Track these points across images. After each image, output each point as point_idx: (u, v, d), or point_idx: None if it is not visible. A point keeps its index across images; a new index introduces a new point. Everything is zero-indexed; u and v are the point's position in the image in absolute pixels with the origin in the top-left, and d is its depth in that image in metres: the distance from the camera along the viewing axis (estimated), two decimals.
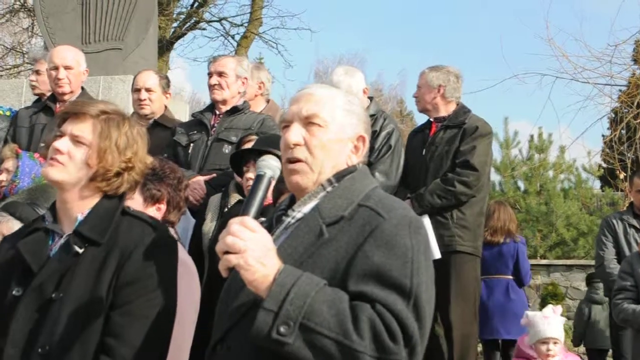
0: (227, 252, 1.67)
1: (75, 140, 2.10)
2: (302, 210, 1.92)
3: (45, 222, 2.17)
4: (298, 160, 1.92)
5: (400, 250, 1.75)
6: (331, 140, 1.94)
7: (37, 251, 2.10)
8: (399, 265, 1.74)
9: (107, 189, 2.15)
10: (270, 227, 1.97)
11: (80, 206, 2.13)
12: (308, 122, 1.94)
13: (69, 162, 2.09)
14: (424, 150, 4.80)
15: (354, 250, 1.77)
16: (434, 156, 4.73)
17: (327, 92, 2.01)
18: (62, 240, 2.12)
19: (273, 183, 1.94)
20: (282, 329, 1.63)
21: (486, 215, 6.86)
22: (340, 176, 1.94)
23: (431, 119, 4.94)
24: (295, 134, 1.93)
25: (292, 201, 2.01)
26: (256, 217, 1.75)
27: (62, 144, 2.10)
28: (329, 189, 1.92)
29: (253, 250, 1.66)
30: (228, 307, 1.90)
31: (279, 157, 3.26)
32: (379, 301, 1.69)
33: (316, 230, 1.83)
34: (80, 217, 2.12)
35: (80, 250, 2.06)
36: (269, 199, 3.34)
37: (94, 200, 2.15)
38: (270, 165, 1.86)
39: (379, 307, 1.68)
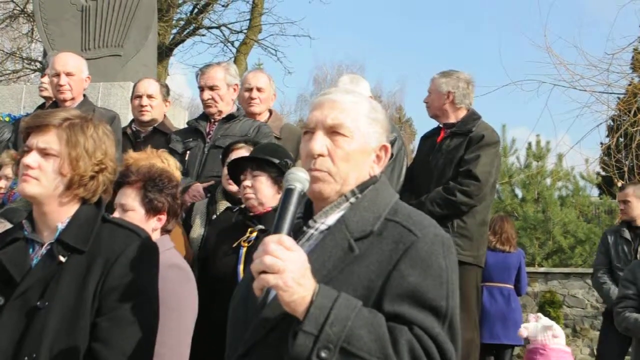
0: (263, 272, 1.60)
1: (44, 153, 2.11)
2: (325, 221, 1.87)
3: (24, 232, 2.17)
4: (321, 170, 1.87)
5: (436, 271, 1.73)
6: (355, 151, 1.89)
7: (18, 261, 2.11)
8: (435, 286, 1.71)
9: (85, 194, 2.16)
10: None
11: (59, 215, 2.15)
12: (332, 131, 1.88)
13: (41, 175, 2.10)
14: (431, 157, 4.77)
15: (388, 269, 1.73)
16: (439, 163, 4.68)
17: (351, 98, 1.94)
18: (43, 250, 2.13)
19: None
20: (322, 354, 1.59)
21: (494, 228, 7.07)
22: (363, 187, 1.90)
23: (441, 125, 4.90)
24: (319, 144, 1.87)
25: (308, 209, 1.96)
26: (289, 234, 1.68)
27: (32, 159, 2.10)
28: (353, 199, 1.88)
29: (292, 271, 1.60)
30: (247, 319, 1.86)
31: (276, 165, 3.30)
32: (416, 324, 1.66)
33: (344, 245, 1.79)
34: (60, 225, 2.14)
35: (64, 259, 2.08)
36: (263, 208, 3.35)
37: (73, 207, 2.17)
38: (299, 178, 1.77)
39: (417, 330, 1.65)
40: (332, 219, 1.87)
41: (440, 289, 1.72)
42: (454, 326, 1.73)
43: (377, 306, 1.70)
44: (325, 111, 1.90)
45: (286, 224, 1.69)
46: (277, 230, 1.67)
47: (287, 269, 1.59)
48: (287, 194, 1.75)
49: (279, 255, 1.60)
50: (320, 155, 1.87)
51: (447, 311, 1.71)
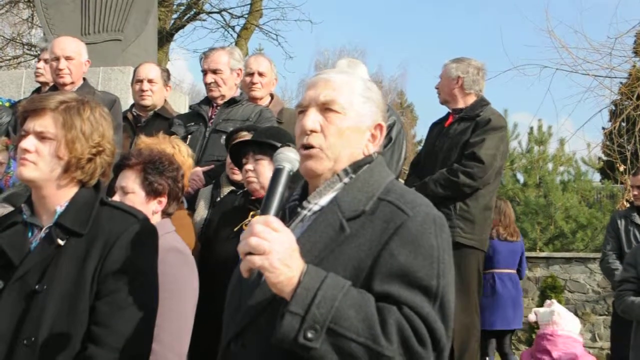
0: (250, 253, 1.60)
1: (41, 137, 2.10)
2: (318, 202, 1.86)
3: (23, 215, 2.17)
4: (313, 147, 1.86)
5: (426, 250, 1.71)
6: (349, 128, 1.88)
7: (17, 244, 2.11)
8: (425, 265, 1.69)
9: (83, 177, 2.16)
10: (282, 218, 1.88)
11: (57, 198, 2.14)
12: (325, 108, 1.87)
13: (39, 159, 2.09)
14: (437, 141, 4.80)
15: (378, 248, 1.71)
16: (444, 147, 4.72)
17: (345, 77, 1.93)
18: (42, 233, 2.13)
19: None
20: (309, 334, 1.58)
21: (501, 220, 7.11)
22: (357, 166, 1.89)
23: (450, 111, 4.92)
24: (311, 120, 1.87)
25: (304, 190, 1.96)
26: (277, 214, 1.69)
27: (28, 142, 2.10)
28: (346, 180, 1.87)
29: (278, 252, 1.59)
30: (240, 303, 1.86)
31: (277, 147, 3.29)
32: (406, 303, 1.65)
33: (336, 225, 1.77)
34: (59, 209, 2.13)
35: (62, 242, 2.07)
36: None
37: (71, 190, 2.16)
38: (288, 158, 1.77)
39: (407, 310, 1.64)
40: (325, 199, 1.86)
41: (430, 268, 1.70)
42: (445, 306, 1.71)
43: (366, 286, 1.69)
44: (319, 89, 1.90)
45: (274, 205, 1.69)
46: (265, 211, 1.68)
47: (273, 250, 1.59)
48: (276, 174, 1.75)
49: (265, 237, 1.59)
50: (312, 131, 1.86)
51: (437, 290, 1.69)
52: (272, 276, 1.60)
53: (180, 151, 3.52)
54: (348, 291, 1.64)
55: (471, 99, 4.82)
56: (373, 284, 1.69)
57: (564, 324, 4.43)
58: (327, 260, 1.73)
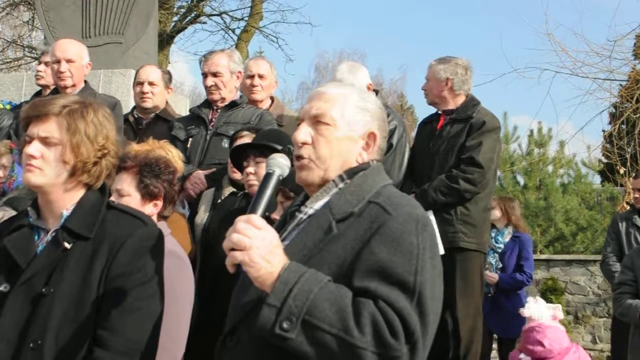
0: (233, 249, 1.71)
1: (45, 142, 2.10)
2: (313, 206, 1.95)
3: (29, 219, 2.17)
4: (304, 158, 1.96)
5: (406, 247, 1.77)
6: (339, 138, 1.97)
7: (24, 247, 2.11)
8: (404, 262, 1.75)
9: (89, 180, 2.16)
10: (283, 223, 2.02)
11: (64, 202, 2.15)
12: (316, 120, 1.97)
13: (45, 164, 2.09)
14: (431, 144, 4.73)
15: (360, 246, 1.79)
16: (440, 150, 4.66)
17: (340, 90, 2.04)
18: (48, 236, 2.13)
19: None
20: (284, 325, 1.67)
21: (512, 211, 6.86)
22: (352, 173, 1.97)
23: (439, 112, 4.86)
24: (303, 132, 1.98)
25: (307, 197, 2.04)
26: (263, 215, 1.78)
27: (34, 148, 2.09)
28: (341, 185, 1.95)
29: (258, 248, 1.70)
30: (239, 301, 1.94)
31: (279, 151, 3.31)
32: (382, 297, 1.71)
33: (325, 226, 1.87)
34: (65, 212, 2.13)
35: (69, 246, 2.08)
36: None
37: (77, 194, 2.17)
38: (279, 164, 1.89)
39: (382, 303, 1.70)
40: (320, 204, 1.95)
41: (409, 265, 1.76)
42: (423, 302, 1.76)
43: (348, 282, 1.76)
44: (312, 103, 2.01)
45: (261, 206, 1.80)
46: (252, 211, 1.79)
47: (254, 246, 1.70)
48: (266, 178, 1.88)
49: (247, 233, 1.71)
50: (304, 143, 1.97)
51: (414, 286, 1.74)
52: (253, 271, 1.71)
53: (172, 156, 3.51)
54: (325, 285, 1.72)
55: (461, 99, 4.76)
56: (353, 279, 1.77)
57: (546, 316, 4.53)
58: (314, 259, 1.82)
